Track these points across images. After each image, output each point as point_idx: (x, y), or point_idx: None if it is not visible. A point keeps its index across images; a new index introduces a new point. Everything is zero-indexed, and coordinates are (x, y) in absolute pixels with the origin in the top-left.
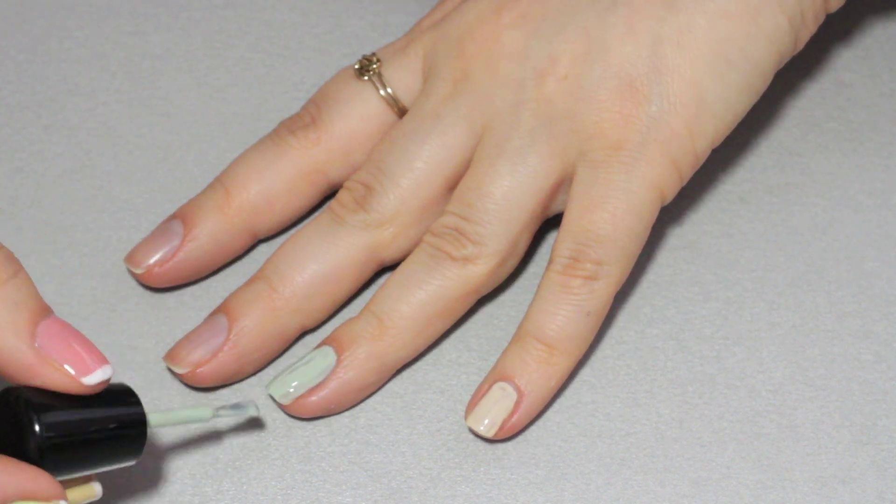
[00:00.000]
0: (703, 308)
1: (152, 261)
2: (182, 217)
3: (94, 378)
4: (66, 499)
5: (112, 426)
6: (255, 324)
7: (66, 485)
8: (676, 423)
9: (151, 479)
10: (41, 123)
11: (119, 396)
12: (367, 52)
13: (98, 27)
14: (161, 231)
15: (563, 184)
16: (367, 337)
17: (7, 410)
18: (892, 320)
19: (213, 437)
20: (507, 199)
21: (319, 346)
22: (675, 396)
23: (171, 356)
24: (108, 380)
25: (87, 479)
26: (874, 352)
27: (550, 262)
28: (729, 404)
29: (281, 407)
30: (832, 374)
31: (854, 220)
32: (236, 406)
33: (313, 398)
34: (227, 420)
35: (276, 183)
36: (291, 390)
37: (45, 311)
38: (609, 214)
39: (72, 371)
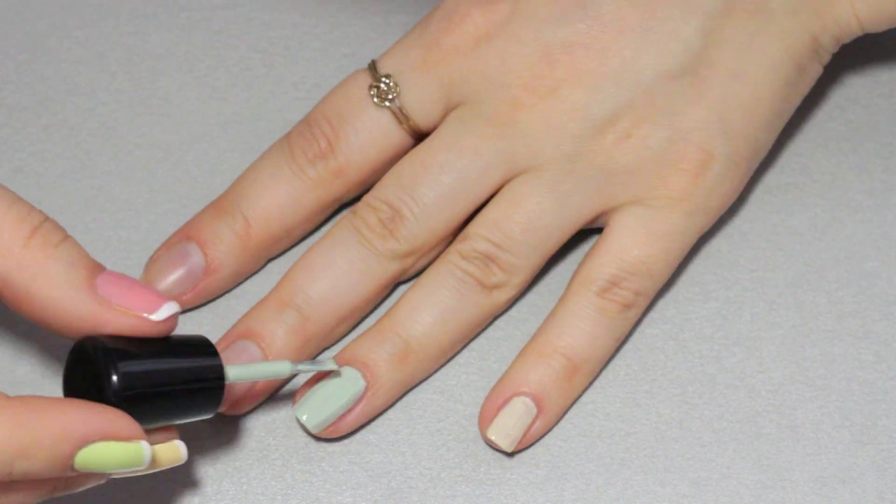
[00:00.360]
0: (703, 308)
1: (169, 283)
2: (199, 242)
3: (161, 313)
4: (145, 439)
5: (189, 376)
6: (288, 353)
7: (151, 442)
8: (676, 423)
9: (151, 478)
10: (41, 123)
11: (197, 348)
12: (368, 51)
13: (98, 27)
14: (177, 254)
15: (600, 217)
16: (394, 361)
17: (84, 359)
18: (892, 320)
19: (213, 436)
20: (546, 233)
21: (344, 364)
22: (675, 396)
23: None
24: (177, 315)
25: (170, 437)
26: (874, 352)
27: (586, 281)
28: (729, 404)
29: (303, 427)
30: (832, 374)
31: (854, 220)
32: (314, 361)
33: (341, 424)
34: (306, 375)
35: (296, 215)
36: (324, 419)
37: (99, 267)
38: (664, 252)
39: (138, 312)
